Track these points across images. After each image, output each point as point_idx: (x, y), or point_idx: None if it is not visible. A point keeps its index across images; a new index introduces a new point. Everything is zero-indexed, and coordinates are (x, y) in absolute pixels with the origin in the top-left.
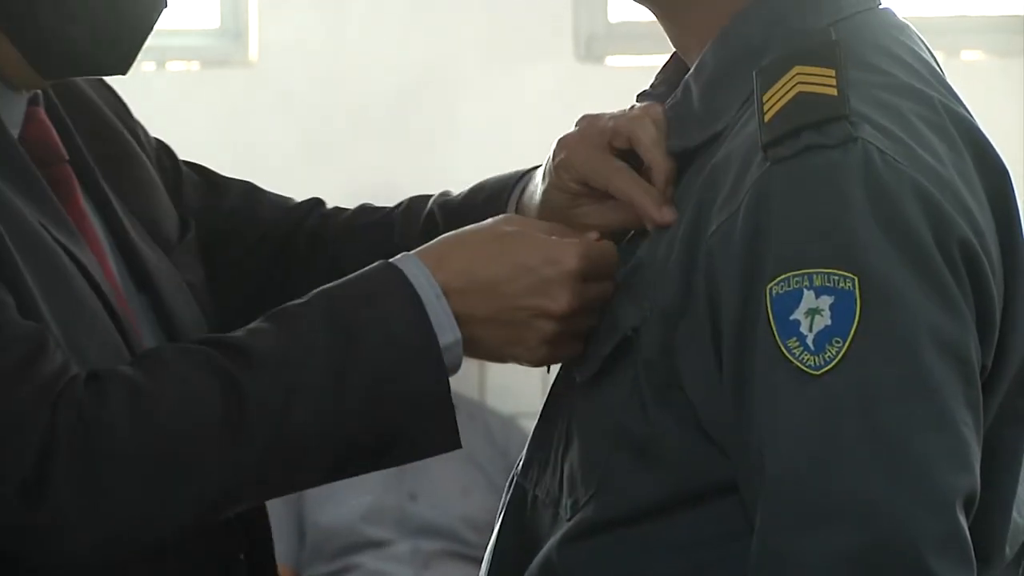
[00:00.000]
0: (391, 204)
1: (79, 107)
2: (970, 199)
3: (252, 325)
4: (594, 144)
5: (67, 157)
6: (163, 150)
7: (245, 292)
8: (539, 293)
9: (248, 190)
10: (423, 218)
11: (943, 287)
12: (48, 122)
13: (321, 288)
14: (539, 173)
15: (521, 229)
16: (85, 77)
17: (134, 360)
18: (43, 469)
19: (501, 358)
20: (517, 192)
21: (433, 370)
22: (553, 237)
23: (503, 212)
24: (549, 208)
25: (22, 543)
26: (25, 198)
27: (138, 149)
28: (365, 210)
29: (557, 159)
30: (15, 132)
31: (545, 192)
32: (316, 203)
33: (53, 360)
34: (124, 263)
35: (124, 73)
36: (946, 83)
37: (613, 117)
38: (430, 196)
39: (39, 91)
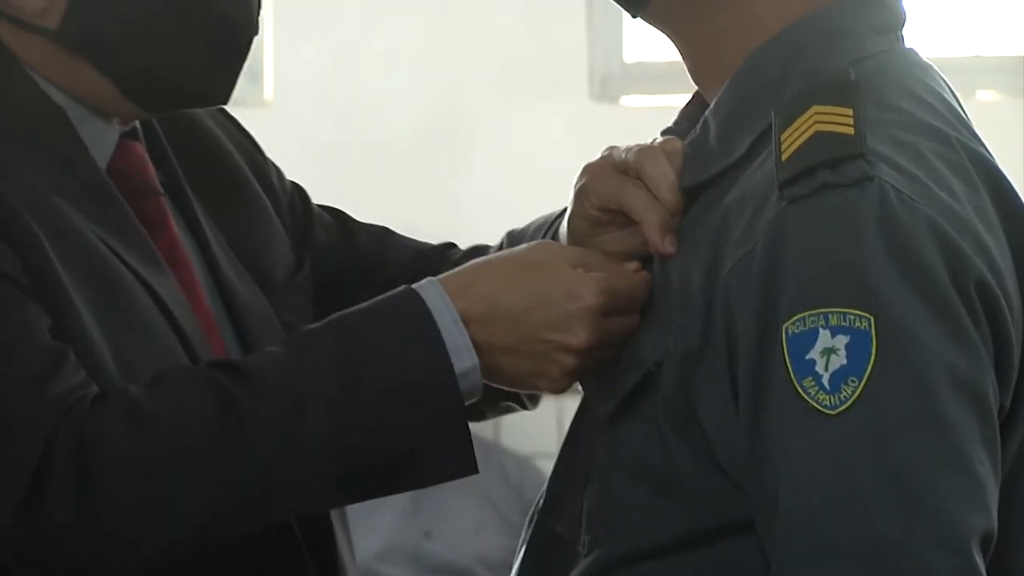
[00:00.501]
0: None
1: (191, 138)
2: (988, 237)
3: (266, 348)
4: (612, 170)
5: (161, 190)
6: (297, 192)
7: None
8: (559, 327)
9: (381, 233)
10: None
11: (959, 326)
12: (143, 155)
13: (341, 312)
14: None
15: (548, 258)
16: (213, 117)
17: (144, 382)
18: (40, 482)
19: (523, 387)
20: (560, 221)
21: (446, 394)
22: (579, 270)
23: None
24: (574, 236)
25: (20, 556)
26: (102, 226)
27: (254, 184)
28: (476, 249)
29: (578, 186)
30: (103, 163)
31: (569, 220)
32: (448, 247)
33: (66, 379)
34: (219, 295)
35: (225, 103)
36: (966, 122)
37: (630, 149)
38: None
39: (137, 123)
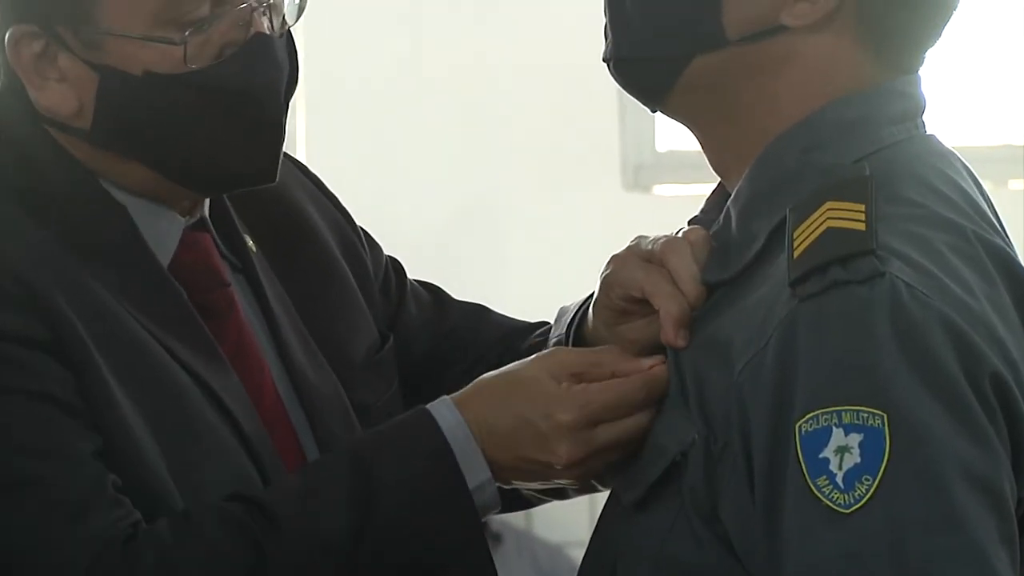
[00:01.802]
0: None
1: (272, 211)
2: (1003, 330)
3: (287, 476)
4: (637, 259)
5: (227, 281)
6: (392, 265)
7: None
8: (539, 447)
9: (474, 310)
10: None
11: (973, 421)
12: (208, 246)
13: (356, 436)
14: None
15: (535, 375)
16: (305, 180)
17: (173, 518)
18: None
19: (545, 493)
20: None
21: (461, 510)
22: (563, 384)
23: (571, 331)
24: (597, 324)
25: None
26: (163, 327)
27: (339, 260)
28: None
29: (604, 275)
30: (167, 256)
31: (594, 307)
32: (539, 324)
33: (103, 515)
34: (288, 378)
35: (273, 181)
36: (984, 212)
37: (657, 239)
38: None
39: (205, 212)
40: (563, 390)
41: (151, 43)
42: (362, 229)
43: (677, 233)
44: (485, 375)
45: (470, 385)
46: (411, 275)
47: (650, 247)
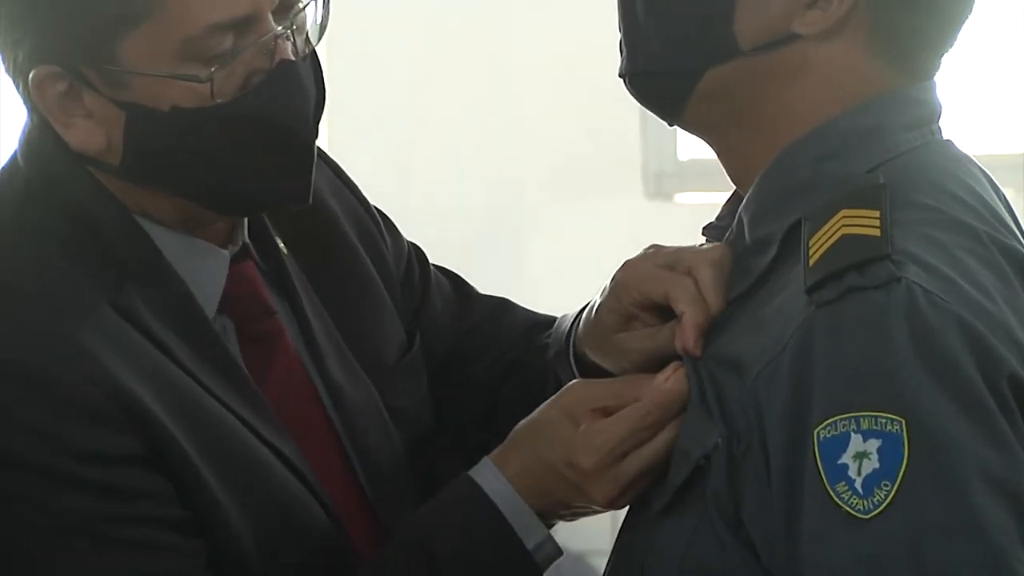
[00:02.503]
0: None
1: (306, 221)
2: (1021, 332)
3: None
4: (654, 266)
5: (275, 310)
6: (415, 254)
7: (478, 408)
8: (573, 494)
9: (497, 304)
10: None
11: (992, 424)
12: (254, 276)
13: (409, 520)
14: (599, 293)
15: (553, 418)
16: (324, 167)
17: None
18: None
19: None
20: (577, 323)
21: (526, 574)
22: (582, 427)
23: (571, 340)
24: (597, 328)
25: None
26: (214, 376)
27: (367, 264)
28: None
29: (615, 280)
30: (217, 295)
31: (598, 311)
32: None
33: None
34: (326, 392)
35: (307, 202)
36: (1000, 216)
37: (678, 250)
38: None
39: (247, 240)
40: (580, 434)
41: (176, 80)
42: (381, 215)
43: (700, 246)
44: (517, 426)
45: (506, 440)
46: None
47: (677, 254)
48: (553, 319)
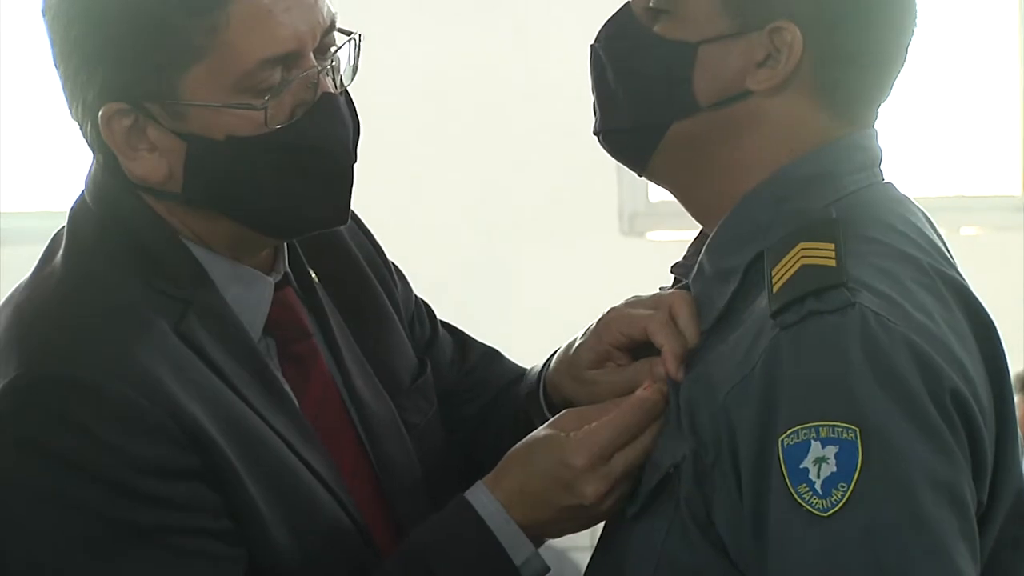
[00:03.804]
0: None
1: (329, 255)
2: (962, 352)
3: None
4: (636, 308)
5: (312, 332)
6: (423, 307)
7: (473, 444)
8: (567, 494)
9: (491, 354)
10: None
11: (937, 433)
12: (294, 301)
13: (411, 537)
14: (579, 334)
15: (547, 434)
16: (352, 232)
17: None
18: None
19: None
20: (552, 361)
21: None
22: (571, 434)
23: (543, 380)
24: (574, 363)
25: None
26: (260, 397)
27: (382, 295)
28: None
29: (599, 321)
30: (263, 318)
31: (576, 349)
32: (522, 373)
33: None
34: (351, 405)
35: (345, 223)
36: (939, 247)
37: (656, 294)
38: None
39: (287, 268)
40: (571, 439)
41: (233, 110)
42: (393, 264)
43: (667, 292)
44: (511, 449)
45: (500, 462)
46: (440, 309)
47: (650, 299)
48: (521, 372)
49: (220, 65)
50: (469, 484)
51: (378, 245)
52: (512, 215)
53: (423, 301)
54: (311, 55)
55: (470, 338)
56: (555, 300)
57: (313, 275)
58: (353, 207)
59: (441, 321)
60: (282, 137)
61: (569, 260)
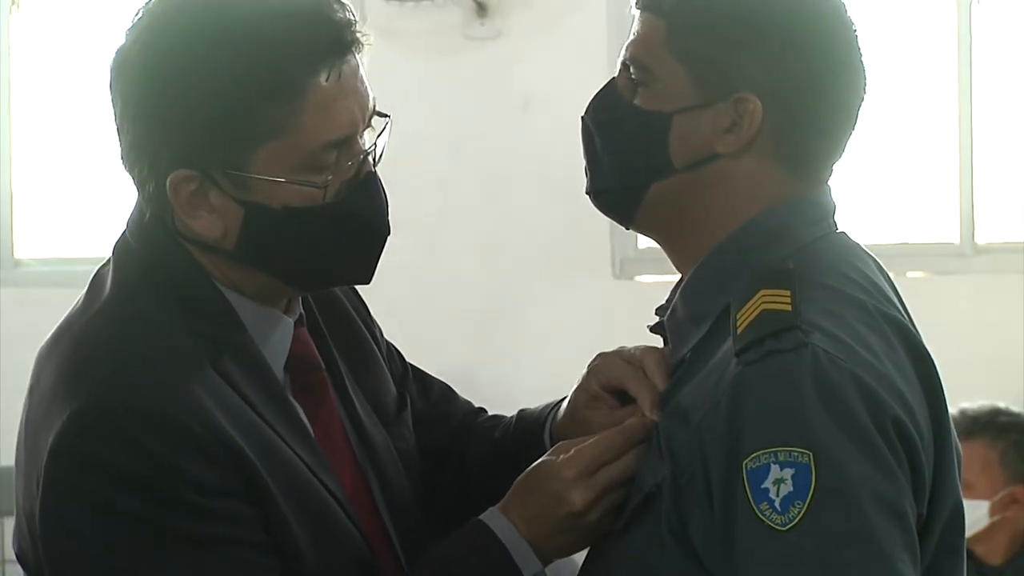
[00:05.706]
0: (472, 393)
1: (328, 304)
2: (903, 385)
3: None
4: (620, 359)
5: (323, 366)
6: (394, 351)
7: (444, 470)
8: (559, 505)
9: (444, 387)
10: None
11: (880, 457)
12: (308, 338)
13: (429, 553)
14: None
15: (545, 458)
16: (344, 291)
17: None
18: None
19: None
20: (558, 408)
21: None
22: (560, 456)
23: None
24: (572, 404)
25: None
26: (284, 427)
27: (372, 342)
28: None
29: (589, 367)
30: (284, 354)
31: (574, 392)
32: (480, 409)
33: None
34: (356, 434)
35: (369, 282)
36: (884, 291)
37: (636, 347)
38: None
39: (303, 312)
40: (563, 458)
41: (295, 186)
42: (374, 321)
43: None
44: (519, 478)
45: (511, 490)
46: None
47: (628, 353)
48: (475, 408)
49: (290, 145)
50: (447, 504)
51: (357, 292)
52: (519, 262)
53: (397, 349)
54: (358, 139)
55: (427, 374)
56: (557, 333)
57: (319, 316)
58: (386, 259)
59: (402, 359)
60: (335, 209)
61: (569, 299)
